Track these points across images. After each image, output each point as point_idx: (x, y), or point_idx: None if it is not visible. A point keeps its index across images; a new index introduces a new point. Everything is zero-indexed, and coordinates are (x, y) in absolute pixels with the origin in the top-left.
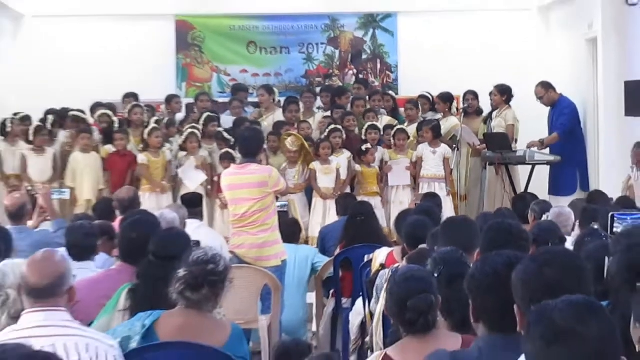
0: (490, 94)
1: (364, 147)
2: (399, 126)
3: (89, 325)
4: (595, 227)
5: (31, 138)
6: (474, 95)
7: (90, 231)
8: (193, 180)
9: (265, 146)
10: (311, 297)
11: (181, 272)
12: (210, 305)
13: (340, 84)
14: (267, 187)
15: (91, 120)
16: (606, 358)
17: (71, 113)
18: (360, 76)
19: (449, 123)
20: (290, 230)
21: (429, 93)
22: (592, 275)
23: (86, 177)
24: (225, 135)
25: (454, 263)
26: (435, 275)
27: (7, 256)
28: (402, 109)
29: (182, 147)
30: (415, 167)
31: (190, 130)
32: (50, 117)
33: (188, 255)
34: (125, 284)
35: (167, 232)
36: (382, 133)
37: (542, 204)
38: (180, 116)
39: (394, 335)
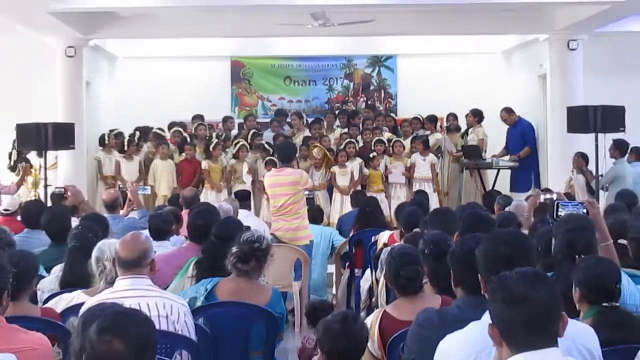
0: (466, 115)
1: (371, 155)
2: (396, 139)
3: (165, 288)
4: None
5: (126, 148)
6: (454, 116)
7: (166, 218)
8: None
9: (297, 155)
10: (331, 268)
11: (234, 249)
12: (256, 274)
13: (354, 108)
14: (298, 185)
15: (167, 136)
16: (551, 313)
17: (153, 130)
18: (369, 102)
19: (434, 138)
20: (316, 214)
21: (420, 115)
22: (538, 252)
23: (163, 179)
24: (266, 146)
25: (440, 243)
26: (426, 252)
27: (104, 237)
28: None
29: (234, 155)
30: (409, 171)
31: (241, 143)
32: (137, 133)
33: (239, 236)
34: (192, 257)
35: (225, 219)
36: (386, 145)
37: (505, 198)
38: (234, 133)
39: (394, 297)
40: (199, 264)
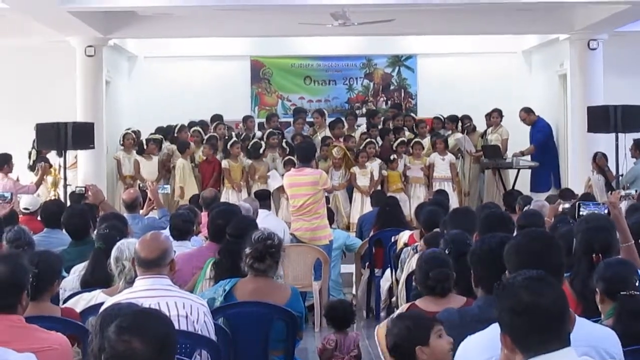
0: (489, 115)
1: (391, 157)
2: (415, 140)
3: (192, 291)
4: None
5: (144, 148)
6: (470, 118)
7: (187, 218)
8: (272, 184)
9: (317, 154)
10: (349, 268)
11: (247, 250)
12: (273, 271)
13: (374, 108)
14: (318, 185)
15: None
16: (561, 316)
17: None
18: (395, 101)
19: (454, 138)
20: (328, 216)
21: (441, 115)
22: (563, 250)
23: (192, 179)
24: (284, 145)
25: (460, 243)
26: (446, 252)
27: (124, 236)
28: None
29: (226, 153)
30: (429, 170)
31: (233, 139)
32: (158, 135)
33: (250, 237)
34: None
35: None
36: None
37: (525, 198)
38: (259, 134)
39: (415, 297)
40: (216, 265)
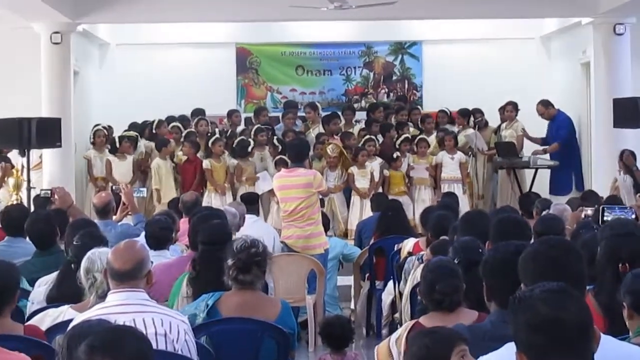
0: (503, 109)
1: (394, 155)
2: (420, 136)
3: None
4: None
5: (117, 146)
6: (481, 112)
7: (165, 225)
8: (262, 187)
9: (310, 153)
10: (347, 280)
11: (230, 261)
12: (260, 283)
13: (374, 101)
14: (312, 187)
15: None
16: (585, 332)
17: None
18: (400, 93)
19: (464, 134)
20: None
21: (446, 108)
22: (586, 259)
23: (170, 181)
24: (275, 142)
25: (471, 251)
26: (456, 261)
27: (105, 246)
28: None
29: (208, 152)
30: (436, 170)
31: (215, 136)
32: (133, 132)
33: (232, 246)
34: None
35: (211, 224)
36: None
37: (543, 202)
38: (240, 129)
39: (420, 312)
40: (193, 280)
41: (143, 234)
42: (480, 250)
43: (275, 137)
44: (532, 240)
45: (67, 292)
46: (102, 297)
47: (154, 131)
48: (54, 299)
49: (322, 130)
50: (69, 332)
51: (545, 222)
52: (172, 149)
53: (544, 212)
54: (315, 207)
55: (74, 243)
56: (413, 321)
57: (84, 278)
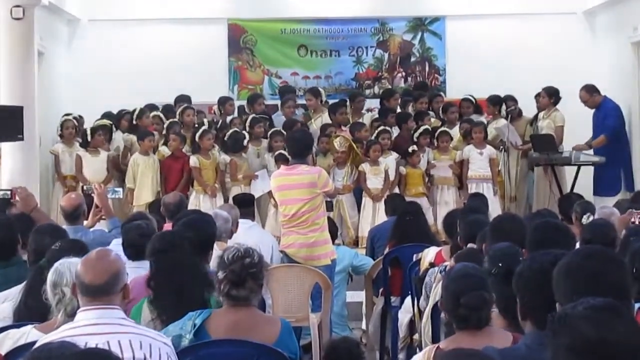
0: (537, 96)
1: (410, 149)
2: (442, 128)
3: None
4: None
5: (88, 140)
6: (514, 99)
7: (146, 232)
8: (261, 188)
9: (315, 147)
10: (356, 296)
11: (221, 274)
12: (257, 298)
13: (389, 87)
14: (316, 187)
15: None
16: (635, 357)
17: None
18: (410, 79)
19: (498, 125)
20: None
21: (471, 95)
22: (632, 274)
23: (146, 180)
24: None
25: (511, 259)
26: (493, 272)
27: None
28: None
29: (195, 145)
30: (461, 168)
31: (203, 128)
32: (107, 121)
33: (222, 257)
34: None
35: (160, 233)
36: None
37: (583, 205)
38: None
39: (447, 334)
40: (156, 302)
41: (116, 241)
42: (522, 258)
43: (275, 129)
44: None
45: (37, 305)
46: (71, 315)
47: (134, 122)
48: (23, 316)
49: (327, 121)
50: (33, 355)
51: (595, 229)
52: (153, 143)
53: (584, 217)
54: (320, 211)
55: (53, 247)
56: (434, 346)
57: (51, 293)
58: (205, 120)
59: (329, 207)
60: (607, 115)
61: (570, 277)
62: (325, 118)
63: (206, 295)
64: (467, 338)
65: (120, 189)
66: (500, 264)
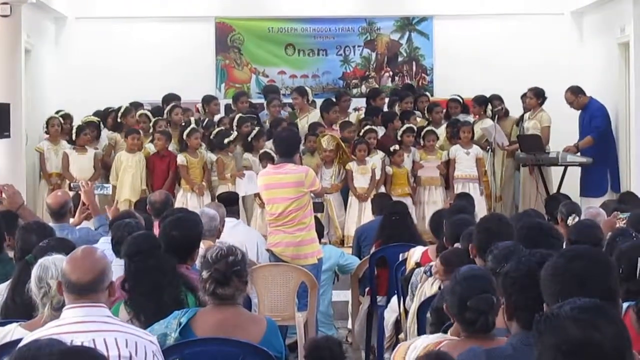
0: (524, 96)
1: (392, 148)
2: (428, 128)
3: None
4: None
5: (74, 138)
6: (500, 99)
7: (135, 229)
8: (245, 189)
9: (302, 146)
10: (346, 295)
11: (205, 274)
12: (242, 296)
13: (377, 86)
14: (303, 186)
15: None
16: (623, 356)
17: (124, 109)
18: (397, 78)
19: (485, 125)
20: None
21: (458, 95)
22: (619, 273)
23: (127, 177)
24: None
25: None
26: (498, 272)
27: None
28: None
29: (183, 144)
30: (447, 167)
31: (191, 126)
32: (95, 118)
33: (205, 256)
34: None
35: (134, 235)
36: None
37: (568, 205)
38: (218, 118)
39: (435, 331)
40: (132, 303)
41: (104, 239)
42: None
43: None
44: None
45: (23, 301)
46: (57, 309)
47: (119, 120)
48: (9, 311)
49: (313, 120)
50: (18, 354)
51: (581, 230)
52: (138, 141)
53: (570, 218)
54: (307, 210)
55: (41, 245)
56: (439, 343)
57: (36, 288)
58: (192, 119)
59: (320, 208)
60: (593, 116)
61: (557, 279)
62: (311, 117)
63: (182, 296)
64: (475, 339)
65: (110, 185)
66: (504, 264)
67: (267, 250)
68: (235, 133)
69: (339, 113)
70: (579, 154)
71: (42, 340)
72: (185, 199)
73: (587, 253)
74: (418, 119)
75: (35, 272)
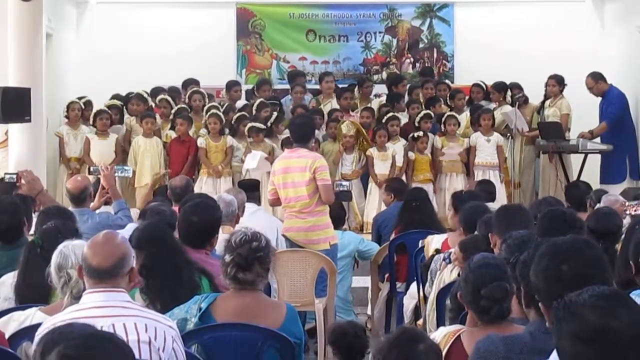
0: (546, 84)
1: (415, 135)
2: (448, 112)
3: None
4: None
5: (91, 122)
6: (520, 87)
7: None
8: (246, 165)
9: (323, 132)
10: (366, 281)
11: (227, 257)
12: (263, 282)
13: (398, 72)
14: (306, 171)
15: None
16: None
17: (134, 94)
18: (418, 65)
19: (502, 111)
20: (336, 215)
21: (482, 82)
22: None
23: (146, 162)
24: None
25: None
26: (512, 261)
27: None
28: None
29: (204, 127)
30: (468, 155)
31: (212, 111)
32: (118, 102)
33: (230, 240)
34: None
35: (144, 225)
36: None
37: (599, 192)
38: (240, 103)
39: (452, 320)
40: (148, 290)
41: (131, 225)
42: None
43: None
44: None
45: (35, 284)
46: (77, 297)
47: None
48: (22, 292)
49: (337, 106)
50: (42, 338)
51: (599, 218)
52: (153, 126)
53: (599, 204)
54: (319, 196)
55: (45, 227)
56: (456, 333)
57: (56, 276)
58: (212, 104)
59: (348, 196)
60: (610, 103)
61: (549, 283)
62: (334, 103)
63: (196, 280)
64: (491, 328)
65: (130, 168)
66: (518, 254)
67: (283, 235)
68: (210, 111)
69: (357, 99)
70: (597, 140)
71: (67, 324)
72: (202, 184)
73: (577, 253)
74: (442, 106)
75: (55, 260)
